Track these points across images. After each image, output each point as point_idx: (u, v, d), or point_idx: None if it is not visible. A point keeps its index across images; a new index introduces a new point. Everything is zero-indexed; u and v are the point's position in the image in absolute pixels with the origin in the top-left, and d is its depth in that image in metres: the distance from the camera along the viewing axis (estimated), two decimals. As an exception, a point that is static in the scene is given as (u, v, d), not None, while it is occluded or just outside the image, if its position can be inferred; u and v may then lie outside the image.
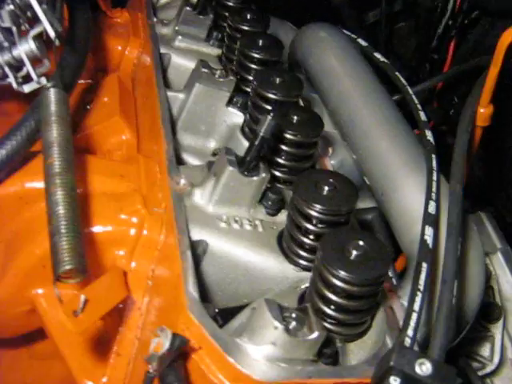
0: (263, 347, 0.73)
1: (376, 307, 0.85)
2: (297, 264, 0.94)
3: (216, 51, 1.44)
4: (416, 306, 0.74)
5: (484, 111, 1.09)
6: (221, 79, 1.21)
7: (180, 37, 1.42)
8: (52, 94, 0.87)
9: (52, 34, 0.98)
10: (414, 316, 0.73)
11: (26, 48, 1.03)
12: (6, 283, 0.93)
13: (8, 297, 0.94)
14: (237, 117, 1.21)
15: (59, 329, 0.89)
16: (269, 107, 1.10)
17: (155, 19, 1.46)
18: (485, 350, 1.31)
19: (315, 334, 0.74)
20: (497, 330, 1.31)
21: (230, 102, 1.22)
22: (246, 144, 1.12)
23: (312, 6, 1.93)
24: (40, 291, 0.92)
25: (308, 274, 0.91)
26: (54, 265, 0.73)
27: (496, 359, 1.30)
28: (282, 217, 1.01)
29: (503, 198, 1.43)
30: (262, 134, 0.94)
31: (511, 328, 1.34)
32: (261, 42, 1.25)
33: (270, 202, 1.00)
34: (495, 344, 1.31)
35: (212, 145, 1.23)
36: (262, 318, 0.73)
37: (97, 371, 0.87)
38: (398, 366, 0.67)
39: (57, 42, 1.00)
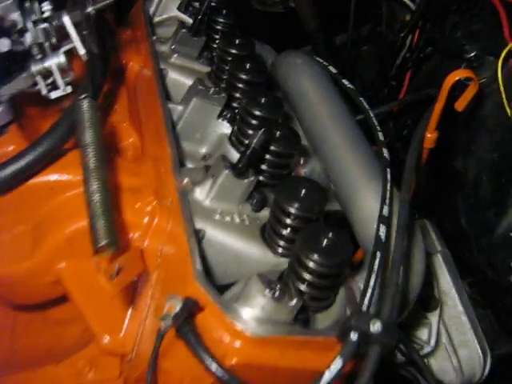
0: (254, 310, 0.94)
1: (339, 286, 1.08)
2: (276, 251, 1.16)
3: (206, 69, 1.65)
4: (371, 282, 0.97)
5: (430, 136, 1.34)
6: (215, 96, 1.42)
7: (176, 55, 1.63)
8: (86, 102, 1.07)
9: (82, 52, 1.18)
10: (369, 290, 0.96)
11: (56, 61, 1.22)
12: (35, 259, 1.11)
13: (35, 270, 1.12)
14: (226, 128, 1.42)
15: (82, 294, 1.09)
16: (254, 122, 1.31)
17: (154, 37, 1.66)
18: (423, 335, 1.55)
19: (294, 301, 0.96)
20: (434, 318, 1.56)
21: (220, 115, 1.43)
22: (232, 151, 1.33)
23: (288, 32, 2.17)
24: (65, 264, 1.12)
25: (285, 260, 1.13)
26: (93, 241, 0.93)
27: (432, 342, 1.54)
28: (265, 213, 1.22)
29: (444, 207, 1.69)
30: (253, 145, 1.16)
31: (446, 317, 1.59)
32: (248, 65, 1.47)
33: (255, 201, 1.22)
34: (432, 330, 1.55)
35: (203, 150, 1.43)
36: (254, 287, 0.95)
37: (115, 327, 1.07)
38: (356, 324, 0.89)
39: (84, 58, 1.19)
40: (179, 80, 1.60)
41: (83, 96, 1.09)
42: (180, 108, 1.42)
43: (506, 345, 1.74)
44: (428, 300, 1.55)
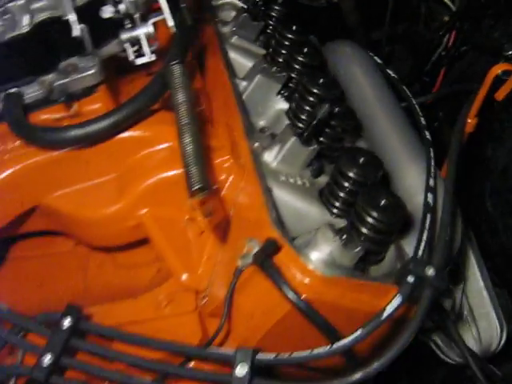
0: (322, 254, 1.09)
1: (390, 243, 1.23)
2: (332, 213, 1.31)
3: (261, 51, 1.80)
4: (424, 237, 1.12)
5: (471, 122, 1.49)
6: (276, 74, 1.57)
7: (236, 36, 1.78)
8: (178, 67, 1.21)
9: (171, 23, 1.32)
10: (423, 243, 1.11)
11: (144, 30, 1.36)
12: (120, 205, 1.26)
13: (120, 215, 1.27)
14: (283, 104, 1.57)
15: (163, 237, 1.23)
16: (313, 99, 1.45)
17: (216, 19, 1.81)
18: (447, 305, 1.69)
19: (357, 249, 1.11)
20: (458, 290, 1.71)
21: (279, 93, 1.58)
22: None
23: (329, 25, 2.31)
24: (147, 211, 1.26)
25: (340, 221, 1.28)
26: (188, 185, 1.07)
27: (455, 312, 1.69)
28: (321, 180, 1.37)
29: (470, 191, 1.83)
30: (319, 116, 1.30)
31: (468, 291, 1.74)
32: (305, 49, 1.61)
33: (314, 167, 1.37)
34: (456, 301, 1.70)
35: (262, 123, 1.58)
36: (324, 234, 1.10)
37: (192, 266, 1.22)
38: (413, 268, 1.04)
39: (172, 29, 1.34)
40: (237, 59, 1.74)
41: (175, 62, 1.23)
42: (244, 83, 1.56)
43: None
44: (455, 272, 1.69)
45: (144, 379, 1.05)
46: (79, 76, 1.27)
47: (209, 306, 1.19)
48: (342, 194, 1.28)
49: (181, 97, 1.18)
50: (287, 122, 1.51)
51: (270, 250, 1.07)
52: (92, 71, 1.28)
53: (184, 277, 1.22)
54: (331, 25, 2.35)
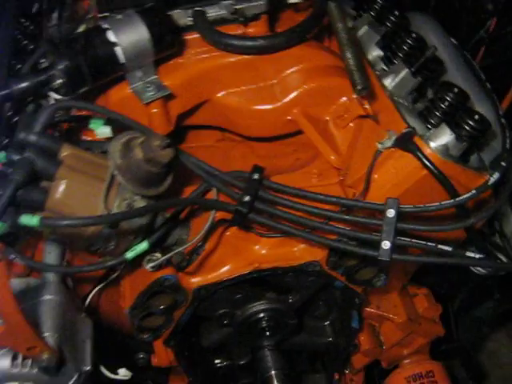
0: (443, 143, 1.52)
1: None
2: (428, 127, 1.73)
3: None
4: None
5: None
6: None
7: None
8: (334, 4, 1.63)
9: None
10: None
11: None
12: (280, 102, 1.66)
13: (279, 110, 1.65)
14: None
15: (313, 129, 1.65)
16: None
17: None
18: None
19: (463, 143, 1.55)
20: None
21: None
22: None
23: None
24: (300, 109, 1.67)
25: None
26: (353, 85, 1.49)
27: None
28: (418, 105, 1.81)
29: None
30: (426, 55, 1.74)
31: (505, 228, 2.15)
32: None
33: (414, 95, 1.81)
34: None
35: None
36: (444, 130, 1.54)
37: (338, 150, 1.63)
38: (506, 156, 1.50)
39: None
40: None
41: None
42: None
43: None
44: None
45: (316, 221, 1.45)
46: (254, 4, 1.66)
47: (349, 180, 1.61)
48: (443, 107, 1.68)
49: (342, 26, 1.60)
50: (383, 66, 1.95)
51: (408, 135, 1.51)
52: (262, 2, 1.68)
53: (332, 157, 1.64)
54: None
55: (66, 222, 1.24)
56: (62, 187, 1.32)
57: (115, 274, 1.65)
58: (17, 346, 1.28)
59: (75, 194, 1.34)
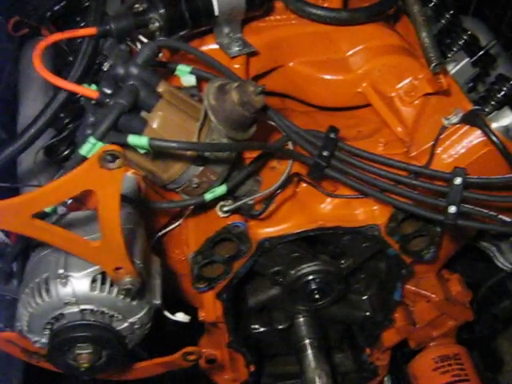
0: (504, 123, 1.63)
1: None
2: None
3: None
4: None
5: None
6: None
7: None
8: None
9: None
10: None
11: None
12: (353, 74, 1.75)
13: (350, 81, 1.74)
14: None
15: (381, 103, 1.74)
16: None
17: None
18: None
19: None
20: None
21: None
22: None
23: None
24: (369, 83, 1.77)
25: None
26: (428, 61, 1.60)
27: None
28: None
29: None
30: (487, 48, 1.86)
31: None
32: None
33: (469, 85, 1.92)
34: None
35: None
36: (506, 112, 1.64)
37: (404, 123, 1.72)
38: None
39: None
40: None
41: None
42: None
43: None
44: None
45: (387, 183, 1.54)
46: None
47: (413, 151, 1.70)
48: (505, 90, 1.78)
49: (416, 7, 1.71)
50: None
51: (476, 112, 1.61)
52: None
53: (399, 129, 1.73)
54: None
55: (173, 145, 1.29)
56: (160, 119, 1.39)
57: (181, 220, 1.71)
58: (106, 263, 1.32)
59: (171, 127, 1.40)
